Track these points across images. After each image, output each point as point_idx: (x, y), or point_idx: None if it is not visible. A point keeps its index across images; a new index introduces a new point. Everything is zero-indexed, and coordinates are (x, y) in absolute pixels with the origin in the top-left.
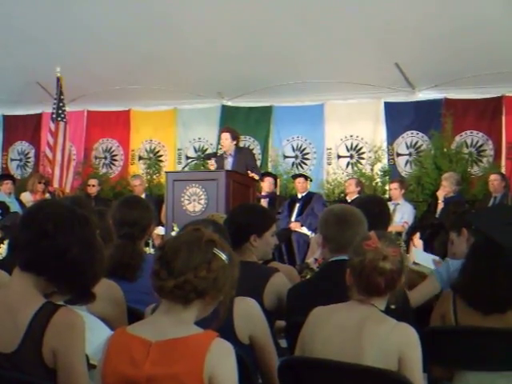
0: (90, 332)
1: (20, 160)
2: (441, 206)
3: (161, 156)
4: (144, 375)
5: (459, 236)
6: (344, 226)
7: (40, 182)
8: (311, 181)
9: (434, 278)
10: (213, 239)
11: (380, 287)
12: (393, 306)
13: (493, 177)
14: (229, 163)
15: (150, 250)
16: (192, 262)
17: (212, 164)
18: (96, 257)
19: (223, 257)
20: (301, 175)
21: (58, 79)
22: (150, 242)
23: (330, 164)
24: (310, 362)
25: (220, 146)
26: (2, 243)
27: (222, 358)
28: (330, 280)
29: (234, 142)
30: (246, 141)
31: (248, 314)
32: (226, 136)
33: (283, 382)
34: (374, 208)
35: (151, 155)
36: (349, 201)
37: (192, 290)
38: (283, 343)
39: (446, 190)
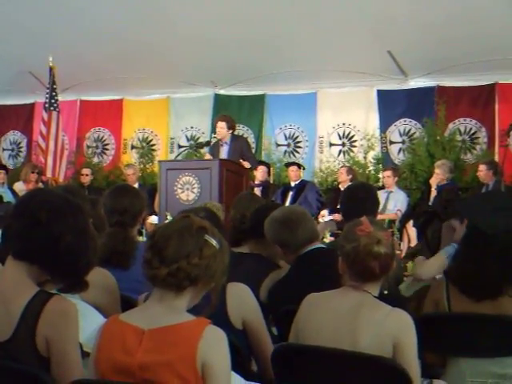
0: (84, 319)
1: (12, 150)
2: (434, 193)
3: (154, 145)
4: (137, 363)
5: (462, 223)
6: (292, 226)
7: (33, 172)
8: (304, 169)
9: (443, 254)
10: (203, 226)
11: (375, 271)
12: (385, 292)
13: (479, 167)
14: (224, 151)
15: (143, 239)
16: (184, 249)
17: (209, 158)
18: (89, 245)
19: (214, 243)
20: (294, 163)
21: (51, 69)
22: (144, 230)
23: (321, 152)
24: (304, 349)
25: (214, 135)
26: None
27: (214, 345)
28: (308, 269)
29: (230, 131)
30: (240, 129)
31: (240, 298)
32: (222, 125)
33: (277, 369)
34: (361, 194)
35: (144, 144)
36: (342, 189)
37: (185, 277)
38: (276, 332)
39: (439, 177)
